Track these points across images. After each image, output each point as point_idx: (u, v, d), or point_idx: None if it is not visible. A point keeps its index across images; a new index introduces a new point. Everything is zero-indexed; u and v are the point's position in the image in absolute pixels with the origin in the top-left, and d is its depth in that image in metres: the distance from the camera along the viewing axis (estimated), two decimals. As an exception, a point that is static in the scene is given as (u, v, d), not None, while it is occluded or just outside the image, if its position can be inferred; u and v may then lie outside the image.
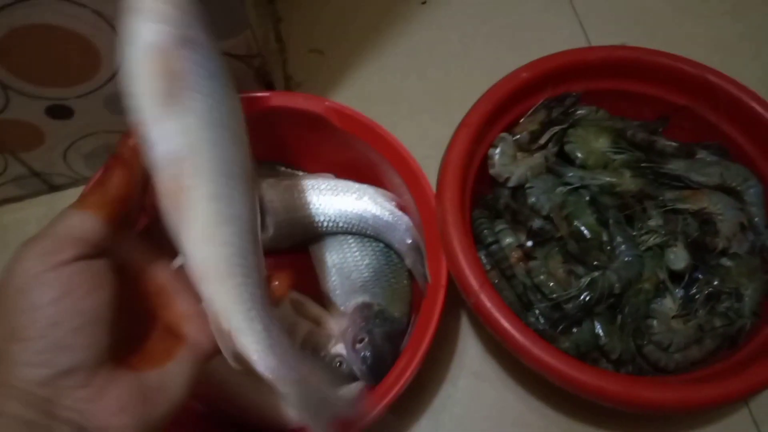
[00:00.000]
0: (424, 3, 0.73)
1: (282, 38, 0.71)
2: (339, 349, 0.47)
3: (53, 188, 0.63)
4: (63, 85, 0.50)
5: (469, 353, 0.54)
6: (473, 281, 0.43)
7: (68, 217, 0.31)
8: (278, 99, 0.53)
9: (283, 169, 0.59)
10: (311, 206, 0.55)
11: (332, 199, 0.54)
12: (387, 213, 0.54)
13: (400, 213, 0.53)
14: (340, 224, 0.55)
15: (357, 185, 0.55)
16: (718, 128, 0.52)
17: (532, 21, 0.72)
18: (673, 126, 0.54)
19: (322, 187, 0.55)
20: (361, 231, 0.55)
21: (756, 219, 0.50)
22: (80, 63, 0.48)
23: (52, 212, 0.62)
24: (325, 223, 0.55)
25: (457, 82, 0.68)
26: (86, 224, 0.30)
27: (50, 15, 0.43)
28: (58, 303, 0.28)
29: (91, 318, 0.29)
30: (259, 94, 0.52)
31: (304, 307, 0.52)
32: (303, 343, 0.49)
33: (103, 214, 0.31)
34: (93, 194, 0.32)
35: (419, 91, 0.68)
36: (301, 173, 0.58)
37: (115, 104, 0.53)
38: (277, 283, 0.36)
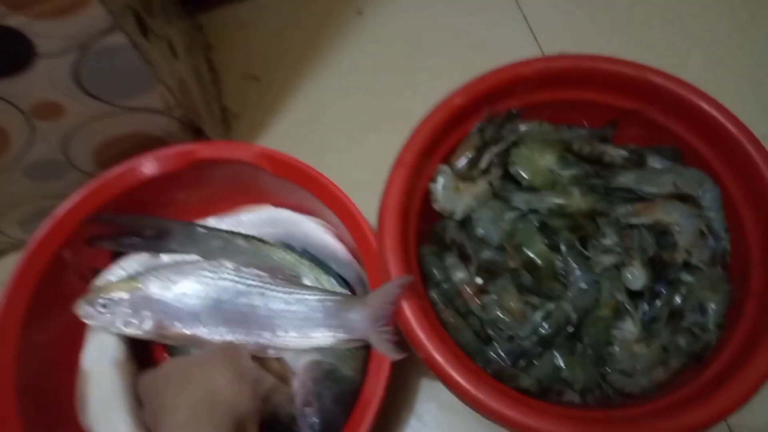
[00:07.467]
0: (360, 14, 0.69)
1: (215, 67, 0.68)
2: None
3: (-4, 255, 0.61)
4: (-22, 166, 0.48)
5: (436, 385, 0.53)
6: (421, 335, 0.41)
7: None
8: (205, 151, 0.50)
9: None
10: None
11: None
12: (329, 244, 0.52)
13: (339, 246, 0.52)
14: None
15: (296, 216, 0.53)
16: (670, 130, 0.50)
17: (477, 25, 0.69)
18: (624, 131, 0.52)
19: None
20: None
21: (715, 224, 0.47)
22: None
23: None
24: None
25: (402, 95, 0.65)
26: None
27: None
28: None
29: None
30: (185, 148, 0.50)
31: (267, 362, 0.50)
32: (265, 398, 0.47)
33: None
34: None
35: (363, 109, 0.65)
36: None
37: (35, 172, 0.51)
38: None
